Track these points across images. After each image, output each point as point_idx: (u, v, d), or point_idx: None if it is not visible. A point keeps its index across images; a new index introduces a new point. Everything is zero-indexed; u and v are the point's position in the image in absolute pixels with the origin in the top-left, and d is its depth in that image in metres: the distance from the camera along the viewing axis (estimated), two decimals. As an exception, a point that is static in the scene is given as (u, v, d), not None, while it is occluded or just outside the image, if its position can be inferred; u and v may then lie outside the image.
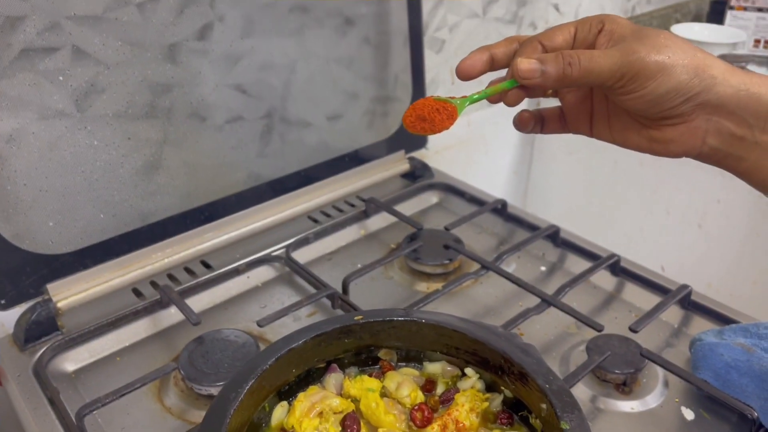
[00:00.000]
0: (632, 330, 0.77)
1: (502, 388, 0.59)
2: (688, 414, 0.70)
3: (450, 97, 0.53)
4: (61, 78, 0.77)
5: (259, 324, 0.77)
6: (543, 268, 0.95)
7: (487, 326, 0.60)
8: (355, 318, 0.61)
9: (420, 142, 1.17)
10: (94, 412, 0.70)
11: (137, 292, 0.87)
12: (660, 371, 0.75)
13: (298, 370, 0.59)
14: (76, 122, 0.79)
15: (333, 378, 0.61)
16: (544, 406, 0.53)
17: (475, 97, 0.53)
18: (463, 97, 0.54)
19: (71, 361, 0.77)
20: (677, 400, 0.72)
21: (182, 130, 0.88)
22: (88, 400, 0.67)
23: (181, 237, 0.90)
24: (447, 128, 0.52)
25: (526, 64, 0.50)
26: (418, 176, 1.15)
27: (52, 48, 0.75)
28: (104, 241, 0.83)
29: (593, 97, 0.57)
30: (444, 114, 0.52)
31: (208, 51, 0.88)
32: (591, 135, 0.58)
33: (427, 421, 0.58)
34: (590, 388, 0.73)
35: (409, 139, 1.14)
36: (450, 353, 0.62)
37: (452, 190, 1.12)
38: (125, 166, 0.84)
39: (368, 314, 0.61)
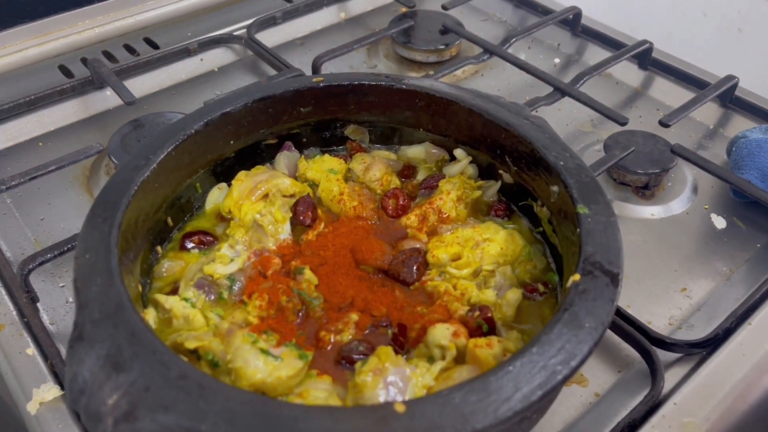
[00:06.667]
0: (662, 124, 0.63)
1: (501, 172, 0.46)
2: (719, 222, 0.58)
3: None
4: None
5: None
6: (557, 60, 0.79)
7: (486, 95, 0.46)
8: (314, 80, 0.46)
9: None
10: (5, 197, 0.58)
11: (65, 71, 0.72)
12: (689, 174, 0.62)
13: (237, 143, 0.46)
14: None
15: (285, 157, 0.48)
16: (555, 188, 0.40)
17: None
18: None
19: (-17, 144, 0.65)
20: (707, 206, 0.60)
21: None
22: (-7, 182, 0.55)
23: (115, 2, 0.73)
24: None
25: None
26: (413, -48, 0.95)
27: None
28: (11, -3, 0.66)
29: None
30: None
31: None
32: None
33: (402, 211, 0.45)
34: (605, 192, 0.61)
35: None
36: (436, 130, 0.48)
37: (454, -30, 0.92)
38: None
39: (331, 77, 0.47)
